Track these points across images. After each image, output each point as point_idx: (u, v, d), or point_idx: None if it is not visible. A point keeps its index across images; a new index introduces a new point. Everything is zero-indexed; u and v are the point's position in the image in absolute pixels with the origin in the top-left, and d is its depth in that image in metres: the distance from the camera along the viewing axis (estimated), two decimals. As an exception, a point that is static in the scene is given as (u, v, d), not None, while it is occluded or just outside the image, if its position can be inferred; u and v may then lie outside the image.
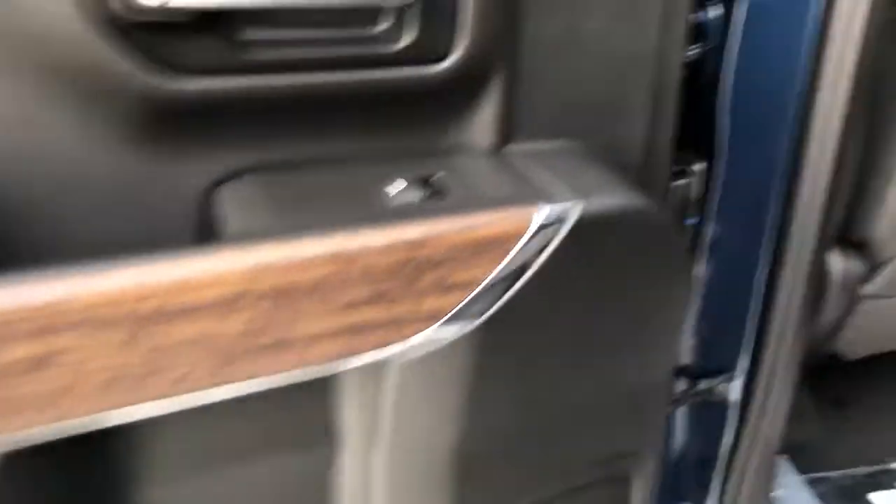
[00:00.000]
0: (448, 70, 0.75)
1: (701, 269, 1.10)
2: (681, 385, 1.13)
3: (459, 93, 0.78)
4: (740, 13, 0.95)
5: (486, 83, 0.78)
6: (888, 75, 1.06)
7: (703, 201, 1.04)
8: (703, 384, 1.13)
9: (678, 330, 0.85)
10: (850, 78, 0.89)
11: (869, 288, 1.23)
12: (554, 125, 0.83)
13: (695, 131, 1.03)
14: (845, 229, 1.20)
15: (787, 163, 0.97)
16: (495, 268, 0.68)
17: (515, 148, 0.82)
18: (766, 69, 0.95)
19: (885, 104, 1.08)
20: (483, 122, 0.80)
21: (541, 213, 0.69)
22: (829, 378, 1.48)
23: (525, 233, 0.68)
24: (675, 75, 0.85)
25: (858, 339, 1.30)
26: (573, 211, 0.70)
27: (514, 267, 0.69)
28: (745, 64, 0.96)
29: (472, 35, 0.74)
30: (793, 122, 0.95)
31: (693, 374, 1.14)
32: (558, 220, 0.70)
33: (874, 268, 1.22)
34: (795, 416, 1.22)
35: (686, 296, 0.82)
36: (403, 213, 0.69)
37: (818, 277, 1.12)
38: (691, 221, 1.06)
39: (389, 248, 0.65)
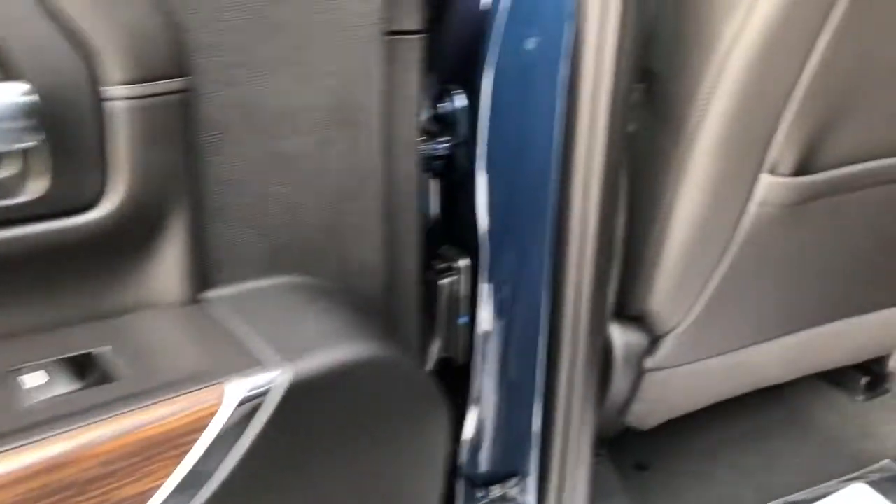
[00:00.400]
0: (102, 220, 0.62)
1: (478, 369, 1.02)
2: (474, 495, 1.04)
3: (127, 242, 0.65)
4: (485, 100, 0.89)
5: (163, 227, 0.66)
6: (643, 148, 1.04)
7: (472, 298, 0.96)
8: (495, 491, 1.05)
9: (438, 470, 0.75)
10: (603, 151, 0.84)
11: (652, 361, 1.21)
12: (264, 262, 0.71)
13: (459, 226, 0.96)
14: (622, 304, 1.17)
15: (551, 245, 0.91)
16: (175, 471, 0.54)
17: (217, 295, 0.69)
18: (517, 152, 0.89)
19: (643, 176, 1.05)
20: (167, 272, 0.67)
21: (235, 390, 0.56)
22: (629, 443, 1.46)
23: (212, 420, 0.55)
24: (409, 185, 0.77)
25: (649, 411, 1.27)
26: (280, 379, 0.58)
27: (206, 463, 0.55)
28: (496, 151, 0.90)
29: (130, 177, 0.62)
30: (552, 205, 0.89)
31: (485, 481, 1.05)
32: (261, 393, 0.57)
33: (654, 340, 1.20)
34: (597, 483, 1.17)
35: (442, 433, 0.72)
36: (35, 423, 0.52)
37: (599, 355, 1.07)
38: (463, 320, 0.98)
39: (13, 478, 0.48)
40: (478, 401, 1.03)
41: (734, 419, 1.58)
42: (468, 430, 1.01)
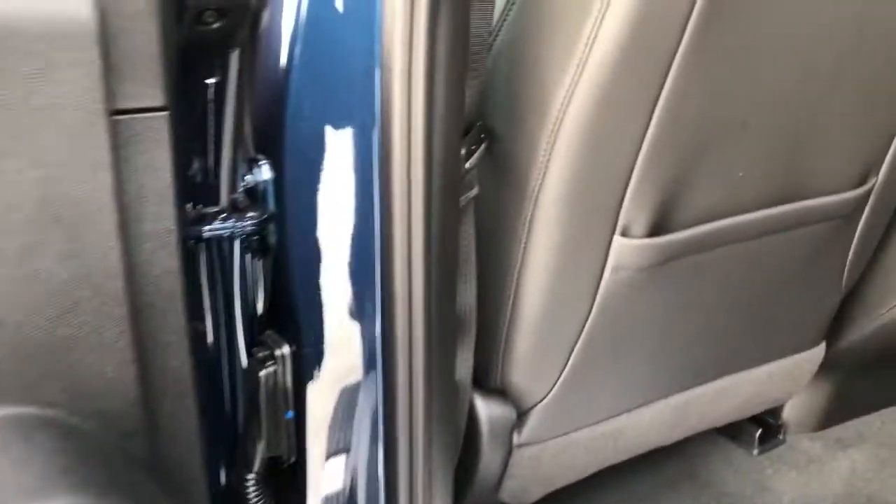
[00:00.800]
0: None
1: (313, 465, 0.93)
2: None
3: None
4: (290, 171, 0.80)
5: None
6: (489, 212, 0.97)
7: (298, 389, 0.87)
8: None
9: None
10: (423, 220, 0.76)
11: (520, 436, 1.13)
12: None
13: (281, 309, 0.86)
14: (483, 377, 1.09)
15: (381, 327, 0.83)
16: None
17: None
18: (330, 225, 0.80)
19: (491, 242, 0.98)
20: None
21: None
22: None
23: None
24: (171, 284, 0.66)
25: (523, 488, 1.19)
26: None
27: None
28: (307, 225, 0.81)
29: None
30: (379, 272, 0.81)
31: None
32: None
33: (521, 415, 1.12)
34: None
35: None
36: None
37: (450, 436, 0.99)
38: (290, 415, 0.88)
39: None
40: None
41: (631, 477, 1.51)
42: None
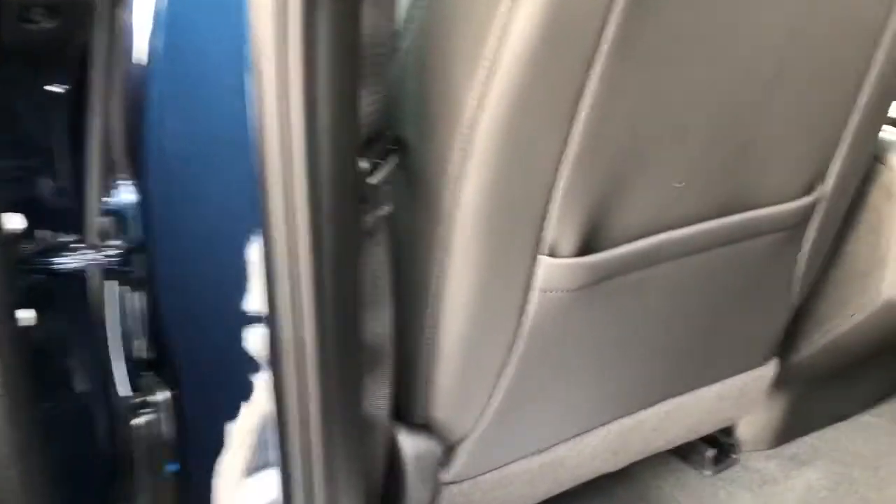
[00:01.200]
0: None
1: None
2: None
3: None
4: (157, 194, 0.70)
5: None
6: (404, 230, 0.88)
7: (182, 438, 0.76)
8: None
9: None
10: (309, 241, 0.66)
11: (448, 473, 1.03)
12: None
13: (159, 349, 0.76)
14: (405, 410, 0.99)
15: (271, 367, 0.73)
16: None
17: None
18: (204, 253, 0.70)
19: (406, 264, 0.89)
20: None
21: None
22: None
23: None
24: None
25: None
26: None
27: None
28: (170, 256, 0.71)
29: None
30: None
31: None
32: None
33: (448, 450, 1.02)
34: None
35: None
36: None
37: (377, 473, 0.89)
38: (172, 468, 0.78)
39: None
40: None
41: (576, 503, 1.43)
42: None
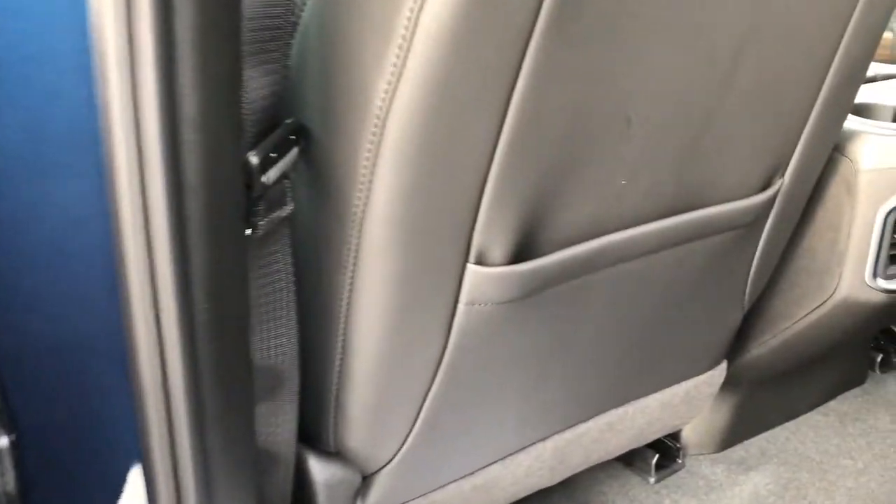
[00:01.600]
0: None
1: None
2: None
3: None
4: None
5: None
6: (308, 233, 0.76)
7: (23, 489, 0.63)
8: None
9: None
10: (170, 245, 0.54)
11: (366, 502, 0.92)
12: None
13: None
14: (316, 437, 0.87)
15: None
16: None
17: None
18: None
19: (311, 273, 0.77)
20: None
21: None
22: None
23: None
24: None
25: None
26: None
27: None
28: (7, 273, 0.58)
29: None
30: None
31: None
32: None
33: (367, 478, 0.91)
34: None
35: None
36: None
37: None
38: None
39: None
40: None
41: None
42: None
